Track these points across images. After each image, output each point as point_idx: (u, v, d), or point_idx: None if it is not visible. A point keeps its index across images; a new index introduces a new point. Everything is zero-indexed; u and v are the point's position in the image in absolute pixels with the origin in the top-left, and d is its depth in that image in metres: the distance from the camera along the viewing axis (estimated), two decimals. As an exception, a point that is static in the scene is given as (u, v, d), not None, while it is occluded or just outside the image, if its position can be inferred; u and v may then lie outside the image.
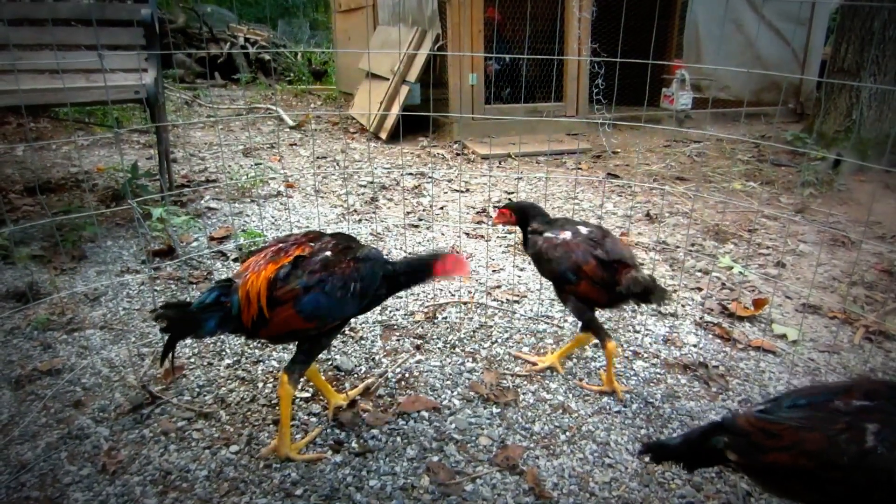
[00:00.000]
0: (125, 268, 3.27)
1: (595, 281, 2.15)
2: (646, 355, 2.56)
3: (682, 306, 2.97)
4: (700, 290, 3.15)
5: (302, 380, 1.98)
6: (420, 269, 2.04)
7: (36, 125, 6.11)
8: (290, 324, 1.84)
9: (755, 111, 7.29)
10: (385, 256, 2.05)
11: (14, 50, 3.55)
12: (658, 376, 2.42)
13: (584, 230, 2.27)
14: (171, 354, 1.86)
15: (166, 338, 1.83)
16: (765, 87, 7.42)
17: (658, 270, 3.36)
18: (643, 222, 4.16)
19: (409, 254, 2.10)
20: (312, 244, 1.94)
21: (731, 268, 3.38)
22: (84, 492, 1.81)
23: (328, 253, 1.91)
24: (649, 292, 2.08)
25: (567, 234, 2.25)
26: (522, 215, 2.45)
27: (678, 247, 3.69)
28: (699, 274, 3.36)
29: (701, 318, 2.86)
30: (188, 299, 2.47)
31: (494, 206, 4.41)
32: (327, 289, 1.84)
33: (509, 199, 4.61)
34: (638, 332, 2.73)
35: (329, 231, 2.09)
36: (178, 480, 1.86)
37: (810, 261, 3.55)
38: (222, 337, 2.63)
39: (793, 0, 6.05)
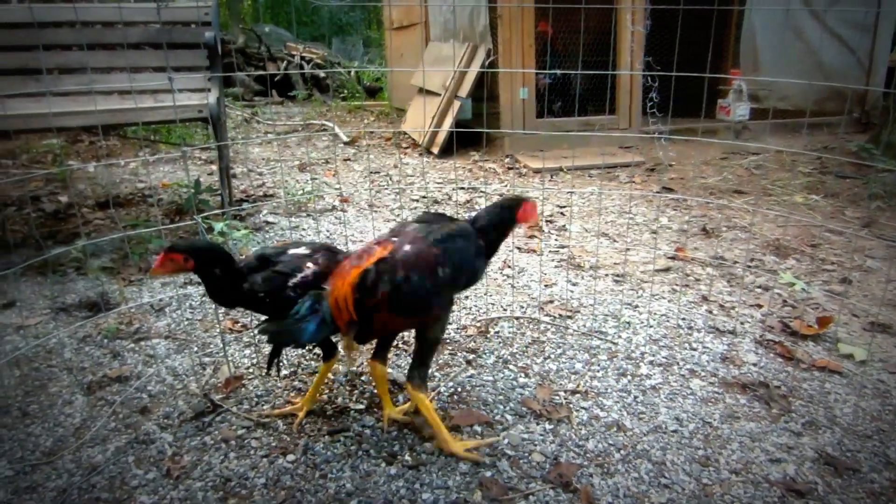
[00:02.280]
0: (188, 280, 3.39)
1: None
2: (703, 374, 2.50)
3: (741, 323, 2.90)
4: (760, 306, 3.07)
5: (426, 385, 2.04)
6: (505, 221, 2.06)
7: (106, 143, 6.40)
8: (392, 324, 1.94)
9: (817, 121, 7.07)
10: (470, 224, 2.04)
11: (90, 73, 3.75)
12: (716, 395, 2.36)
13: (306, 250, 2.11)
14: (276, 361, 2.12)
15: (271, 347, 2.04)
16: (827, 97, 7.19)
17: (715, 286, 3.29)
18: (699, 237, 4.08)
19: (487, 208, 2.11)
20: (395, 239, 1.95)
21: (793, 284, 3.29)
22: (150, 495, 1.88)
23: (408, 247, 1.90)
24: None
25: (312, 265, 2.04)
26: (205, 259, 1.99)
27: (736, 262, 3.60)
28: (759, 290, 3.27)
29: (761, 336, 2.78)
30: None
31: (546, 220, 4.40)
32: (415, 282, 1.86)
33: (561, 213, 4.59)
34: (694, 349, 2.68)
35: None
36: (238, 487, 1.91)
37: (879, 277, 3.42)
38: (291, 347, 2.69)
39: (856, 7, 5.87)
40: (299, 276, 1.99)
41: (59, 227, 4.09)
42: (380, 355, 2.11)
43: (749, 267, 3.54)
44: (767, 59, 6.90)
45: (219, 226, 3.46)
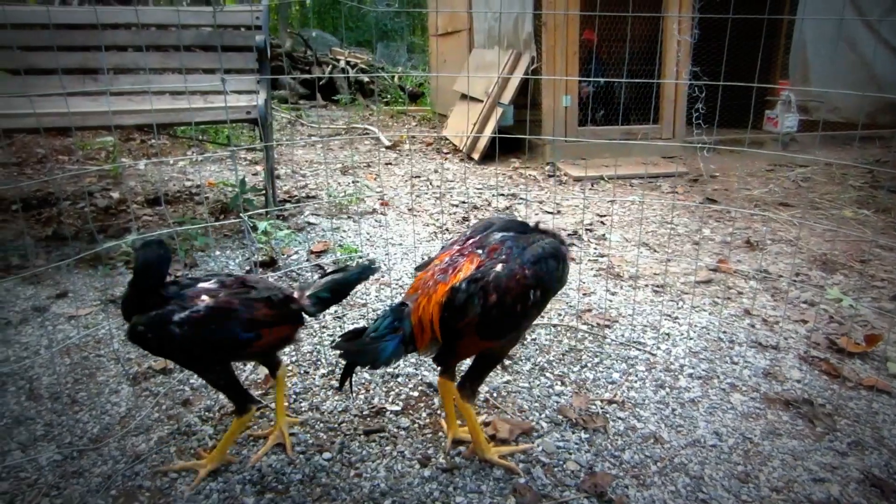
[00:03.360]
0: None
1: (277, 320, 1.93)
2: (744, 388, 2.46)
3: (785, 339, 2.84)
4: (805, 322, 3.00)
5: (475, 394, 2.00)
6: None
7: (157, 141, 6.58)
8: (475, 348, 1.91)
9: (869, 134, 6.88)
10: (560, 240, 1.95)
11: (148, 73, 3.88)
12: (757, 411, 2.32)
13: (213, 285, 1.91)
14: (349, 380, 2.01)
15: (345, 365, 1.96)
16: (880, 109, 6.98)
17: (758, 300, 3.23)
18: (743, 249, 4.00)
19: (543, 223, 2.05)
20: (481, 252, 1.87)
21: (841, 300, 3.20)
22: (190, 485, 1.93)
23: (499, 268, 1.81)
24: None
25: (206, 298, 1.84)
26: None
27: (781, 276, 3.53)
28: (804, 305, 3.20)
29: (806, 353, 2.72)
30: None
31: (586, 229, 4.38)
32: (507, 307, 1.79)
33: (601, 222, 4.56)
34: (736, 363, 2.63)
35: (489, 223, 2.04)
36: (275, 482, 1.94)
37: (930, 296, 3.31)
38: (319, 348, 2.73)
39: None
40: (185, 312, 1.79)
41: (110, 222, 4.22)
42: (450, 372, 2.03)
43: (794, 281, 3.46)
44: (818, 70, 6.74)
45: (263, 225, 3.53)
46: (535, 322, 2.12)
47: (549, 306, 3.11)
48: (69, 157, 6.02)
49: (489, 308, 1.77)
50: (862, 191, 5.31)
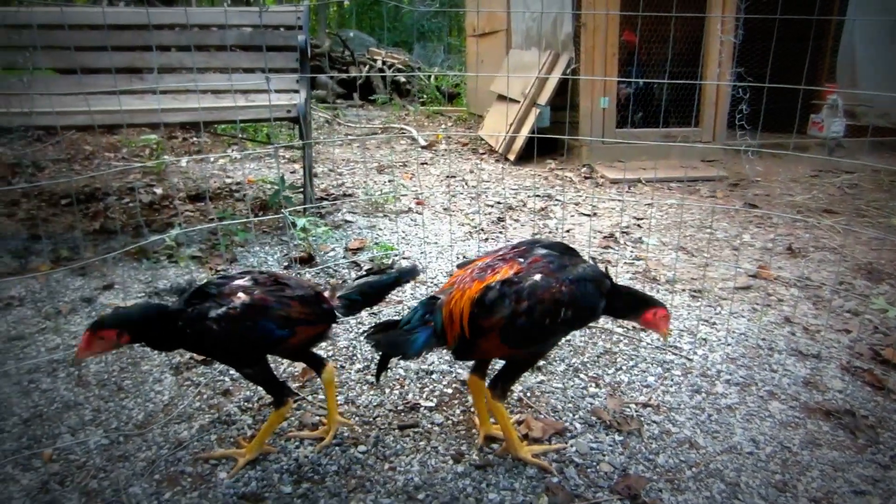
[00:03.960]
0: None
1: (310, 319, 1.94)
2: (783, 397, 2.42)
3: (827, 348, 2.78)
4: (848, 332, 2.93)
5: (505, 394, 2.01)
6: (634, 308, 1.96)
7: (198, 139, 6.72)
8: (496, 351, 1.90)
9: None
10: (604, 273, 1.94)
11: (193, 72, 3.97)
12: (796, 420, 2.28)
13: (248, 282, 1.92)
14: (384, 371, 2.09)
15: (380, 357, 2.02)
16: (931, 115, 6.78)
17: (799, 308, 3.17)
18: (784, 256, 3.93)
19: (629, 287, 2.05)
20: (521, 260, 1.89)
21: (886, 311, 3.12)
22: (230, 473, 1.97)
23: (537, 277, 1.83)
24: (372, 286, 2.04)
25: (242, 296, 1.86)
26: (141, 328, 1.84)
27: (824, 284, 3.46)
28: (847, 315, 3.13)
29: (848, 363, 2.66)
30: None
31: (623, 231, 4.34)
32: (536, 317, 1.79)
33: (637, 225, 4.51)
34: (775, 371, 2.59)
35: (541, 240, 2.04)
36: (311, 472, 1.98)
37: (980, 307, 3.21)
38: (356, 343, 2.77)
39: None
40: (223, 308, 1.81)
41: (153, 217, 4.34)
42: (480, 371, 2.05)
43: (838, 290, 3.39)
44: (867, 74, 6.57)
45: (301, 221, 3.59)
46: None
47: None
48: (115, 154, 6.20)
49: (518, 314, 1.79)
50: (911, 198, 5.17)
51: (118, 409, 2.30)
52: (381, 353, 1.98)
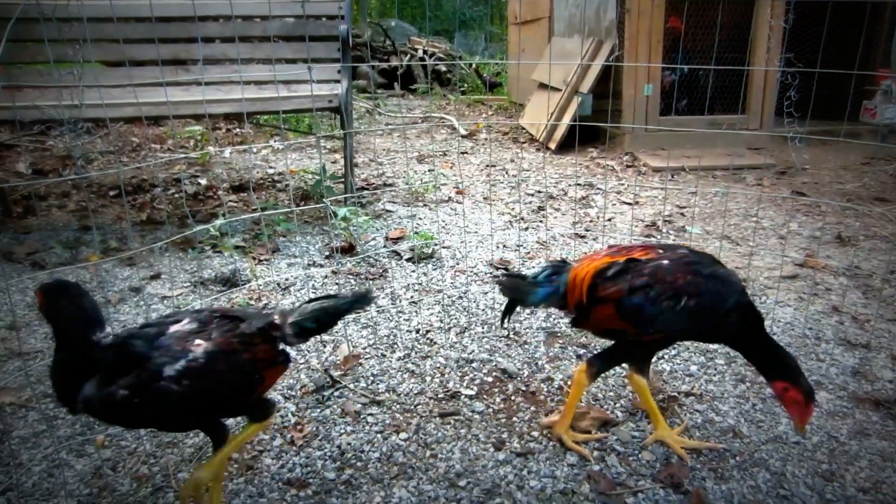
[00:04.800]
0: (311, 261, 3.58)
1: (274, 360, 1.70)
2: (830, 386, 2.37)
3: (877, 337, 2.71)
4: (899, 321, 2.86)
5: (596, 376, 1.99)
6: (772, 366, 1.81)
7: (241, 130, 6.84)
8: (608, 322, 1.90)
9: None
10: (743, 288, 1.84)
11: (237, 63, 4.04)
12: (844, 410, 2.23)
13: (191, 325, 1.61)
14: (508, 316, 2.14)
15: (506, 303, 2.10)
16: None
17: (848, 297, 3.09)
18: (833, 245, 3.83)
19: (779, 345, 1.86)
20: (661, 251, 1.89)
21: (940, 300, 3.03)
22: (274, 459, 2.02)
23: (665, 262, 1.83)
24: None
25: (200, 342, 1.57)
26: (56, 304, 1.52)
27: (874, 273, 3.36)
28: (898, 304, 3.04)
29: (899, 353, 2.59)
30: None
31: (665, 220, 4.29)
32: (652, 294, 1.79)
33: (681, 214, 4.45)
34: (822, 360, 2.54)
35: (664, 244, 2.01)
36: (354, 459, 2.02)
37: None
38: (396, 332, 2.81)
39: None
40: (181, 362, 1.51)
41: (197, 208, 4.44)
42: (641, 370, 2.00)
43: (889, 279, 3.29)
44: (923, 59, 6.33)
45: (342, 211, 3.63)
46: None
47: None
48: (161, 146, 6.35)
49: (635, 288, 1.81)
50: (968, 185, 4.98)
51: None
52: (505, 296, 2.07)
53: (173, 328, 1.59)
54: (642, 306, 1.80)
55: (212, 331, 1.60)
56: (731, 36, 6.38)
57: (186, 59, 4.12)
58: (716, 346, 2.65)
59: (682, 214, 4.46)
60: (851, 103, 6.60)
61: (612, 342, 2.00)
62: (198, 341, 1.55)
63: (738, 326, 1.82)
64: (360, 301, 1.84)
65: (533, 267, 3.32)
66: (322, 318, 1.78)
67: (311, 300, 1.83)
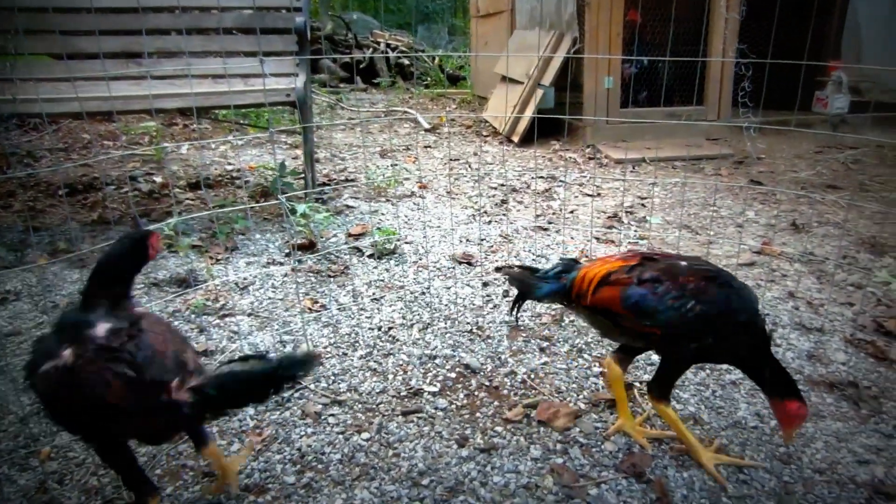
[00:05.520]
0: (271, 259, 3.52)
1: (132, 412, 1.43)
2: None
3: (830, 321, 2.77)
4: (851, 305, 2.92)
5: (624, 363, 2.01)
6: (781, 386, 1.76)
7: (198, 126, 6.69)
8: (608, 302, 1.88)
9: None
10: (759, 308, 1.79)
11: (189, 56, 3.93)
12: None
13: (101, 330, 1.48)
14: (517, 308, 2.17)
15: (516, 295, 2.14)
16: (937, 89, 6.71)
17: (803, 283, 3.15)
18: (788, 232, 3.91)
19: (781, 366, 1.81)
20: (683, 263, 1.86)
21: (889, 283, 3.11)
22: (232, 465, 1.97)
23: (682, 263, 1.83)
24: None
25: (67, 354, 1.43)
26: None
27: (827, 259, 3.44)
28: (851, 288, 3.11)
29: (852, 335, 2.65)
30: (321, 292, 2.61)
31: (626, 211, 4.32)
32: (659, 290, 1.78)
33: (642, 204, 4.50)
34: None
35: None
36: (314, 462, 1.98)
37: None
38: (357, 330, 2.77)
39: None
40: (50, 363, 1.43)
41: (153, 206, 4.32)
42: (620, 357, 2.01)
43: (841, 264, 3.37)
44: (872, 50, 6.51)
45: (301, 208, 3.57)
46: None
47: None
48: (114, 143, 6.16)
49: (643, 280, 1.81)
50: (915, 172, 5.13)
51: None
52: (514, 287, 2.11)
53: (95, 327, 1.48)
54: (645, 295, 1.80)
55: (90, 345, 1.44)
56: (689, 28, 6.47)
57: (141, 52, 3.98)
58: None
59: (642, 205, 4.50)
60: (805, 94, 6.75)
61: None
62: (67, 352, 1.43)
63: (747, 348, 1.78)
64: (293, 367, 1.48)
65: (543, 261, 3.36)
66: (228, 386, 1.45)
67: (229, 360, 1.55)
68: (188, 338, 1.76)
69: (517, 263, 2.18)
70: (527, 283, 2.06)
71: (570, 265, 2.03)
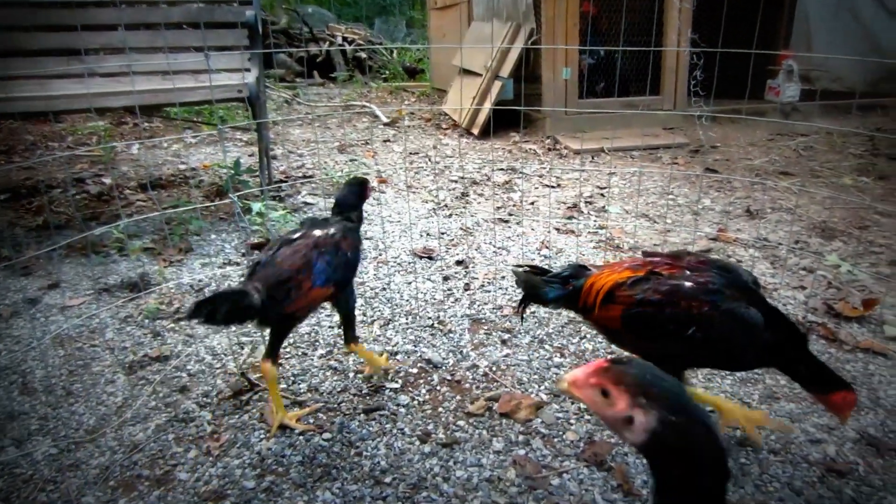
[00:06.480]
0: (227, 260, 3.45)
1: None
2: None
3: (784, 305, 2.83)
4: (803, 288, 2.99)
5: None
6: (825, 383, 1.72)
7: (150, 124, 6.51)
8: (611, 323, 1.86)
9: (870, 103, 6.80)
10: (762, 321, 1.70)
11: (131, 53, 3.80)
12: (755, 376, 2.32)
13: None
14: (523, 310, 2.15)
15: (522, 295, 2.12)
16: (882, 77, 6.88)
17: (757, 268, 3.21)
18: (742, 218, 3.98)
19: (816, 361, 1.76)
20: (689, 273, 1.80)
21: (839, 266, 3.19)
22: (189, 472, 1.92)
23: (687, 284, 1.75)
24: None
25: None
26: None
27: (780, 244, 3.51)
28: (803, 272, 3.18)
29: (804, 318, 2.71)
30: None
31: (586, 201, 4.35)
32: (667, 314, 1.73)
33: (601, 194, 4.53)
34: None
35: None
36: (275, 465, 1.95)
37: (930, 260, 3.29)
38: (317, 329, 2.74)
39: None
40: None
41: (102, 209, 4.16)
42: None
43: (793, 249, 3.45)
44: (821, 40, 6.65)
45: (257, 206, 3.49)
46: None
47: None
48: (60, 144, 5.93)
49: (647, 302, 1.76)
50: (862, 158, 5.27)
51: (67, 416, 2.19)
52: (522, 290, 2.08)
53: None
54: (649, 321, 1.76)
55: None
56: (644, 18, 6.53)
57: (82, 49, 3.83)
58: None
59: (601, 195, 4.54)
60: (758, 83, 6.87)
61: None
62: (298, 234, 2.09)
63: (758, 360, 1.77)
64: None
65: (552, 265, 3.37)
66: None
67: None
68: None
69: (527, 264, 2.14)
70: (532, 286, 2.03)
71: (578, 270, 2.00)
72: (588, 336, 2.61)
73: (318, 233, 2.08)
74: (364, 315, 2.83)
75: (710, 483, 0.85)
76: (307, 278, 1.96)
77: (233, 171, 3.96)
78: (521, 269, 2.09)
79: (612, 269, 1.91)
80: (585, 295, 1.91)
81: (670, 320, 1.73)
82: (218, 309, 1.75)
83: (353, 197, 2.32)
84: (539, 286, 2.00)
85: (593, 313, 1.90)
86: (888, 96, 6.67)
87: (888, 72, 6.73)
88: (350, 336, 2.24)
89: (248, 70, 3.88)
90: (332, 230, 2.11)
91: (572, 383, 0.97)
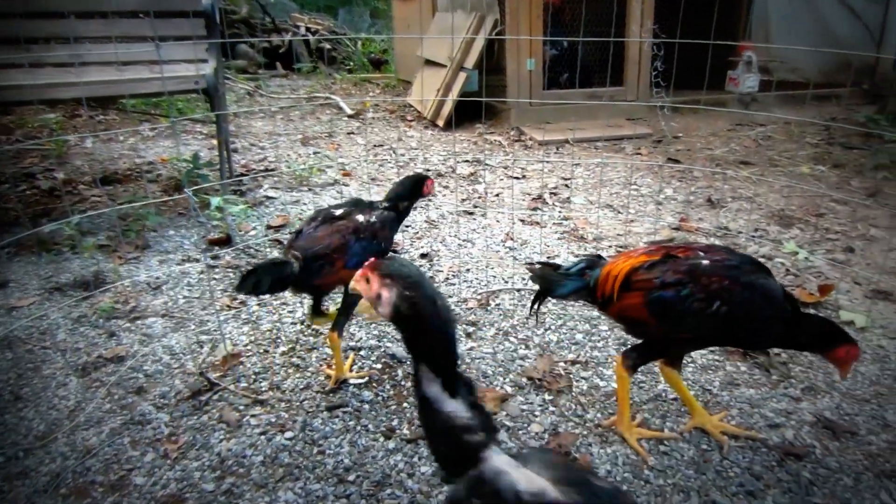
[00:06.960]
0: (186, 257, 3.37)
1: None
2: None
3: (744, 293, 2.87)
4: (763, 277, 3.04)
5: (635, 368, 1.90)
6: (825, 340, 1.76)
7: (105, 117, 6.32)
8: (634, 312, 1.81)
9: (826, 93, 6.94)
10: (782, 292, 1.75)
11: (85, 42, 3.66)
12: (716, 363, 2.35)
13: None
14: (537, 306, 2.08)
15: (536, 290, 2.04)
16: (838, 68, 7.04)
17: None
18: (704, 207, 4.03)
19: (820, 316, 1.86)
20: (703, 253, 1.81)
21: (797, 253, 3.25)
22: (146, 477, 1.87)
23: (706, 262, 1.76)
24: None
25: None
26: None
27: (740, 232, 3.56)
28: (762, 259, 3.21)
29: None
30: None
31: (551, 192, 4.36)
32: (684, 293, 1.72)
33: (565, 185, 4.55)
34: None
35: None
36: (235, 466, 1.91)
37: (882, 246, 3.37)
38: (279, 326, 2.69)
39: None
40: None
41: (54, 205, 4.00)
42: (672, 362, 1.93)
43: (753, 237, 3.50)
44: (780, 32, 6.76)
45: (216, 201, 3.40)
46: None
47: (512, 271, 3.10)
48: (8, 137, 5.71)
49: (668, 284, 1.74)
50: (818, 147, 5.38)
51: (15, 422, 2.11)
52: (536, 284, 2.02)
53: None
54: (672, 303, 1.74)
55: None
56: (607, 10, 6.54)
57: (32, 38, 3.68)
58: (598, 313, 2.71)
59: (566, 186, 4.55)
60: (717, 74, 6.95)
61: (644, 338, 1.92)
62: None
63: (776, 335, 1.78)
64: None
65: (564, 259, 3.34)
66: None
67: None
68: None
69: (540, 260, 2.12)
70: (548, 280, 1.98)
71: (593, 262, 1.97)
72: (553, 327, 2.62)
73: (360, 218, 2.22)
74: (327, 310, 2.79)
75: (438, 343, 1.10)
76: (341, 258, 2.12)
77: (191, 165, 3.86)
78: (535, 265, 2.05)
79: (626, 256, 1.90)
80: (603, 284, 1.87)
81: (694, 298, 1.72)
82: (262, 280, 1.90)
83: (407, 190, 2.44)
84: (555, 280, 1.97)
85: (612, 306, 1.87)
86: (843, 86, 6.82)
87: (843, 63, 6.89)
88: (339, 324, 2.24)
89: (205, 61, 3.78)
90: (373, 218, 2.25)
91: (353, 281, 1.22)
